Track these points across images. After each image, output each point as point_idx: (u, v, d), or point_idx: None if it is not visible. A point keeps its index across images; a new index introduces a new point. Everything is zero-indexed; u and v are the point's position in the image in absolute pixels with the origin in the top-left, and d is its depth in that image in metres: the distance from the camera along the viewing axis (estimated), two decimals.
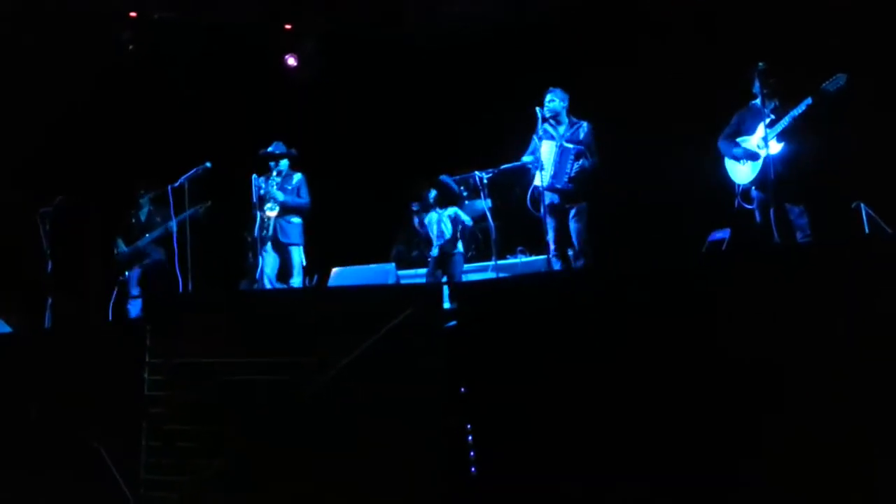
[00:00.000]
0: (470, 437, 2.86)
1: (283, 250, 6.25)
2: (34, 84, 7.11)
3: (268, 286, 6.13)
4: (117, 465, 3.00)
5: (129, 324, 5.48)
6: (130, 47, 7.75)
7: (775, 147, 5.14)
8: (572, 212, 5.61)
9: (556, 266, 5.68)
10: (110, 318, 6.53)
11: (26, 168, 7.15)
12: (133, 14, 7.83)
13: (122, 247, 6.90)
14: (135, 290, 6.80)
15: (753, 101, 5.36)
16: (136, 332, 3.20)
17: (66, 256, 6.54)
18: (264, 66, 8.39)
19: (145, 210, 6.97)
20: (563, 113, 5.72)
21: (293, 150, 6.39)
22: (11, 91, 6.99)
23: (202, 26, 7.94)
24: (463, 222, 6.42)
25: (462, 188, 7.00)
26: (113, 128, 7.74)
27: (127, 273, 6.84)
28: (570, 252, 5.88)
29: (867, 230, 5.39)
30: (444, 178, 6.53)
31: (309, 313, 3.11)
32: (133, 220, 6.98)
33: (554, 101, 5.68)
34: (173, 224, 6.50)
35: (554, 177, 5.60)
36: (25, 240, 6.50)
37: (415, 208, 7.31)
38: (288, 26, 8.46)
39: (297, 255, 6.28)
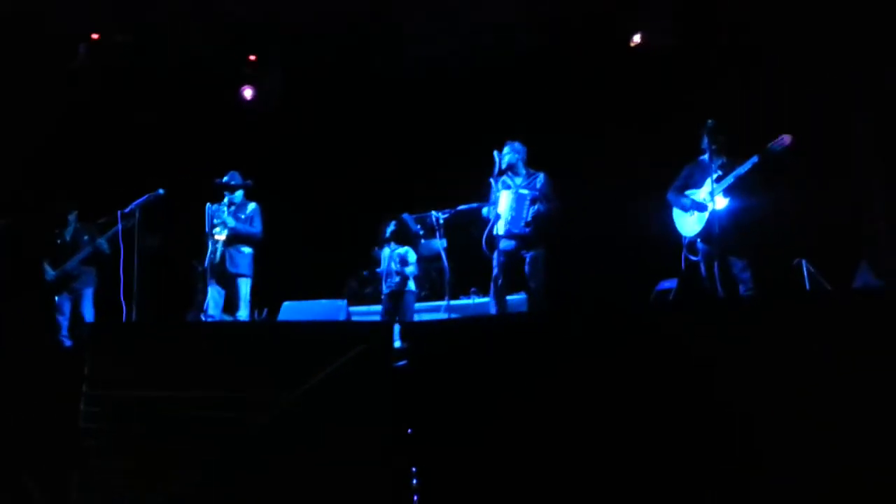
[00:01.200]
0: (415, 480, 2.82)
1: (230, 281, 6.10)
2: None
3: (214, 318, 5.99)
4: (48, 501, 2.86)
5: (63, 352, 5.29)
6: (85, 66, 7.64)
7: (721, 202, 5.30)
8: (528, 256, 5.67)
9: (493, 309, 5.71)
10: (41, 345, 6.27)
11: None
12: (95, 36, 7.75)
13: (49, 271, 6.59)
14: (64, 317, 6.55)
15: (702, 157, 5.53)
16: (70, 362, 3.09)
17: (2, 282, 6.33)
18: (222, 96, 8.37)
19: (71, 229, 6.68)
20: (520, 164, 5.84)
21: (249, 182, 6.32)
22: None
23: (163, 51, 7.89)
24: (411, 264, 6.46)
25: (419, 227, 7.03)
26: (61, 149, 7.60)
27: (56, 298, 6.55)
28: (525, 295, 5.93)
29: (808, 286, 5.58)
30: (405, 216, 6.55)
31: (256, 347, 3.06)
32: (59, 241, 6.66)
33: (510, 153, 5.81)
34: (102, 242, 6.32)
35: (511, 223, 5.67)
36: None
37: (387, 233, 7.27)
38: (252, 57, 8.48)
39: (245, 287, 6.13)
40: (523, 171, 5.84)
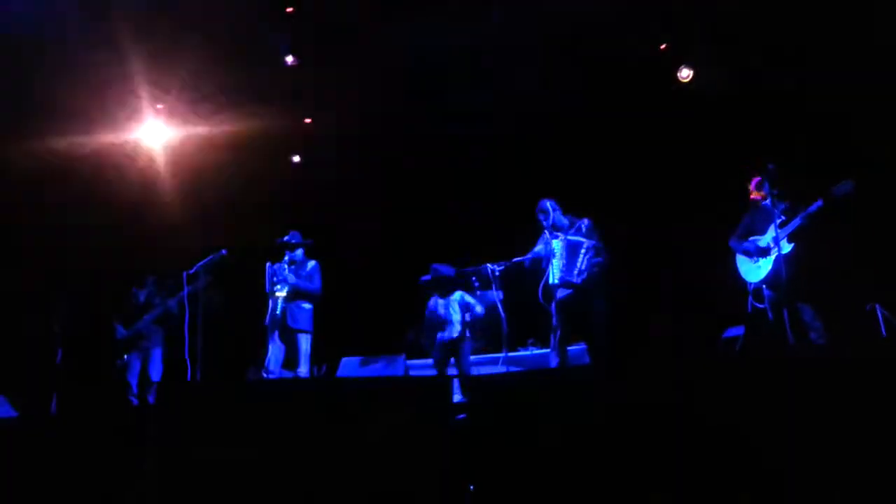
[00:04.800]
0: None
1: (291, 337, 6.19)
2: None
3: (274, 374, 6.07)
4: None
5: (131, 411, 5.41)
6: None
7: (786, 247, 5.17)
8: (587, 307, 5.60)
9: (554, 360, 5.63)
10: (111, 403, 6.46)
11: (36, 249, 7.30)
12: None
13: (120, 330, 6.83)
14: (133, 376, 6.72)
15: (764, 202, 5.42)
16: (140, 420, 3.16)
17: (77, 342, 6.57)
18: (282, 159, 8.67)
19: (146, 292, 6.97)
20: (560, 218, 5.84)
21: (310, 241, 6.47)
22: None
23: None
24: (471, 307, 6.42)
25: (474, 279, 7.03)
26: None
27: (126, 357, 6.77)
28: (585, 345, 5.83)
29: (884, 332, 5.33)
30: (434, 267, 6.58)
31: (315, 404, 3.07)
32: (133, 301, 6.94)
33: (546, 216, 5.81)
34: (172, 303, 6.52)
35: (564, 271, 5.64)
36: (32, 322, 6.55)
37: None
38: (308, 120, 8.77)
39: (305, 343, 6.20)
40: (566, 222, 5.84)
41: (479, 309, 6.46)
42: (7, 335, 7.08)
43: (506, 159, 8.04)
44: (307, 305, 6.27)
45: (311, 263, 6.40)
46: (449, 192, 8.30)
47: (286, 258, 6.35)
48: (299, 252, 6.39)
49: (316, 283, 6.31)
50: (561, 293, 5.65)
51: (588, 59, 7.24)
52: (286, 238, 6.42)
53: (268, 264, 6.29)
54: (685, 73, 7.36)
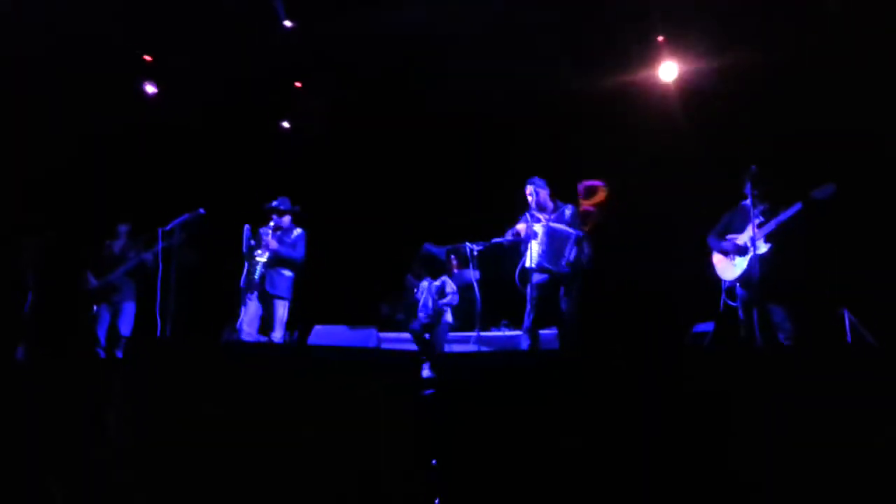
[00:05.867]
0: None
1: (268, 302, 6.19)
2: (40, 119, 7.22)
3: (246, 335, 6.06)
4: None
5: (97, 363, 5.37)
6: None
7: (763, 248, 5.23)
8: (563, 293, 5.63)
9: (525, 343, 5.68)
10: (78, 355, 6.40)
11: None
12: (148, 58, 8.02)
13: (91, 281, 6.73)
14: (102, 329, 6.65)
15: (744, 202, 5.47)
16: (106, 372, 3.14)
17: (47, 291, 6.48)
18: (264, 124, 8.57)
19: (119, 243, 6.87)
20: (546, 199, 5.84)
21: (297, 207, 6.43)
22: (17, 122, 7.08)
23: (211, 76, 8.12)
24: (449, 294, 6.47)
25: (452, 257, 7.05)
26: (108, 167, 7.84)
27: (95, 308, 6.68)
28: (556, 330, 5.89)
29: (849, 338, 5.44)
30: (427, 246, 6.59)
31: (285, 371, 3.07)
32: (106, 252, 6.84)
33: (533, 193, 5.82)
34: (147, 256, 6.46)
35: (544, 257, 5.66)
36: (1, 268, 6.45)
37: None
38: (297, 84, 8.68)
39: (283, 309, 6.21)
40: (550, 205, 5.85)
41: (450, 300, 6.50)
42: None
43: (494, 138, 8.02)
44: (287, 273, 6.25)
45: (297, 231, 6.36)
46: (433, 169, 8.27)
47: (272, 223, 6.30)
48: (286, 219, 6.35)
49: (299, 252, 6.27)
50: (537, 277, 5.68)
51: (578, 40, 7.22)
52: (274, 203, 6.38)
53: (246, 226, 6.25)
54: (668, 71, 7.30)
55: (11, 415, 3.28)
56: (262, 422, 2.90)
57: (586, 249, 5.63)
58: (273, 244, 6.15)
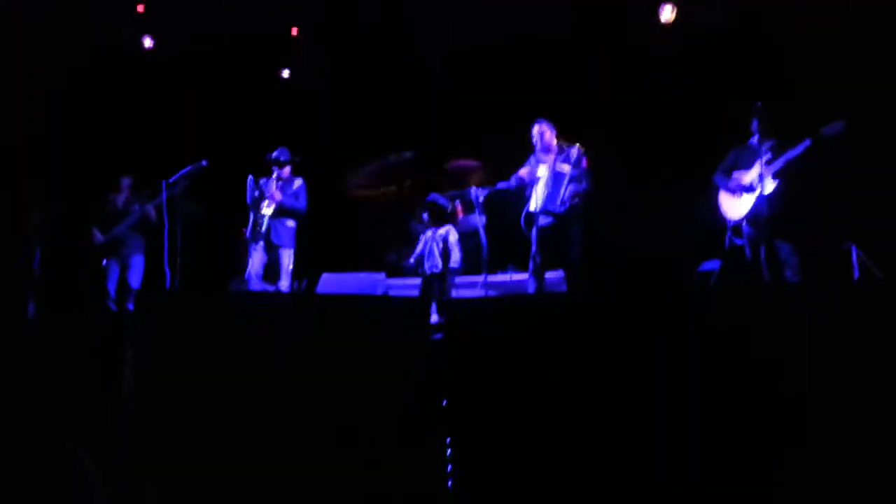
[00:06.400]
0: (449, 451, 2.85)
1: (273, 251, 6.24)
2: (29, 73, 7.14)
3: (254, 285, 6.12)
4: (93, 466, 2.95)
5: (109, 318, 5.43)
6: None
7: (770, 185, 5.18)
8: (566, 234, 5.62)
9: (532, 286, 5.69)
10: (89, 309, 6.47)
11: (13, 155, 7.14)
12: (140, 8, 7.87)
13: (98, 235, 6.74)
14: (112, 283, 6.68)
15: (751, 139, 5.40)
16: (117, 327, 3.17)
17: (55, 247, 6.50)
18: (264, 72, 8.45)
19: (122, 197, 6.86)
20: (551, 142, 5.78)
21: (297, 157, 6.41)
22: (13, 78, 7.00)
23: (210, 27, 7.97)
24: (450, 251, 6.46)
25: (457, 203, 7.02)
26: (109, 123, 7.77)
27: (104, 261, 6.70)
28: (562, 273, 5.90)
29: (857, 273, 5.43)
30: (433, 196, 6.58)
31: (294, 320, 3.10)
32: (109, 206, 6.84)
33: (539, 134, 5.76)
34: (150, 208, 6.45)
35: (548, 200, 5.63)
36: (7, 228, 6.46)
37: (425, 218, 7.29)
38: (294, 31, 8.51)
39: (288, 259, 6.26)
40: (555, 147, 5.79)
41: (455, 256, 6.49)
42: None
43: (497, 83, 7.89)
44: (291, 223, 6.30)
45: (298, 182, 6.37)
46: (437, 114, 8.17)
47: (273, 174, 6.29)
48: (287, 169, 6.34)
49: (302, 202, 6.31)
50: (542, 220, 5.66)
51: None
52: (275, 154, 6.35)
53: (249, 177, 6.24)
54: (667, 14, 7.08)
55: (27, 373, 3.32)
56: (273, 373, 2.93)
57: (581, 187, 5.58)
58: (278, 195, 6.17)
